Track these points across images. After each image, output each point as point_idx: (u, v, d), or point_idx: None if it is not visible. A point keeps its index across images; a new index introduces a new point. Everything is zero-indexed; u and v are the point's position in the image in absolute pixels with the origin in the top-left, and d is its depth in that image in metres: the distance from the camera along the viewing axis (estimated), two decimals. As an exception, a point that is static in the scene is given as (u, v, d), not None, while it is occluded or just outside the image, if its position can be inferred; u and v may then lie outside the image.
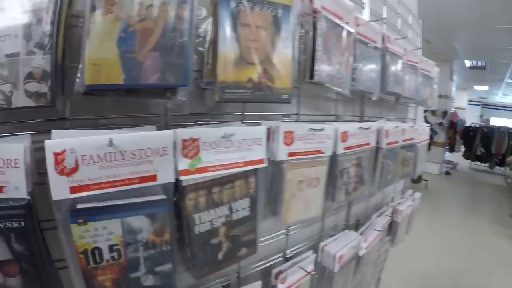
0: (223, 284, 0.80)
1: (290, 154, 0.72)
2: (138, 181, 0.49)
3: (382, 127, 1.01)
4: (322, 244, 0.99)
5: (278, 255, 0.95)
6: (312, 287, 0.94)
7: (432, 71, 1.45)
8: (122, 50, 0.46)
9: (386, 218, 1.33)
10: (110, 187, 0.46)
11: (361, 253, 1.07)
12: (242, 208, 0.64)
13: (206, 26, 0.57)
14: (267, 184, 0.74)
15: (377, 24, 1.08)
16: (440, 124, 6.63)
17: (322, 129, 0.75)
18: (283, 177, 0.72)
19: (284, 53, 0.65)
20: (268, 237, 0.88)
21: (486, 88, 9.67)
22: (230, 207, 0.62)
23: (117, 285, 0.50)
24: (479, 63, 6.31)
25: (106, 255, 0.47)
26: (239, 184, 0.63)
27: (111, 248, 0.48)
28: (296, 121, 0.85)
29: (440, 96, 6.78)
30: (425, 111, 6.58)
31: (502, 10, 3.18)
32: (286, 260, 0.96)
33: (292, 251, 0.99)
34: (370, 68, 0.95)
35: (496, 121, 10.13)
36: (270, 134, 0.71)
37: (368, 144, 0.96)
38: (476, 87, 9.83)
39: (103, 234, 0.47)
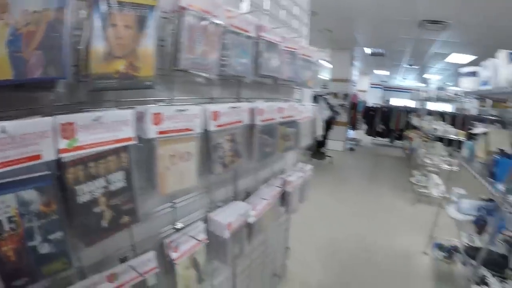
0: (121, 258, 0.88)
1: (161, 132, 0.82)
2: (26, 160, 0.58)
3: (256, 106, 1.15)
4: (211, 214, 1.11)
5: (168, 227, 1.05)
6: (205, 254, 1.06)
7: (314, 56, 1.61)
8: (10, 50, 0.54)
9: (275, 189, 1.47)
10: (4, 166, 0.55)
11: (250, 220, 1.20)
12: (118, 180, 0.74)
13: (83, 27, 0.66)
14: (145, 160, 0.83)
15: (254, 15, 1.20)
16: (342, 105, 7.42)
17: (186, 110, 0.87)
18: (155, 153, 0.82)
19: (148, 46, 0.76)
20: (159, 210, 0.98)
21: (387, 73, 11.07)
22: (106, 179, 0.71)
23: (18, 255, 0.58)
24: (378, 51, 7.03)
25: (6, 226, 0.56)
26: (112, 159, 0.73)
27: (9, 219, 0.56)
28: (171, 104, 0.94)
29: (341, 80, 7.64)
30: (328, 93, 7.37)
31: (398, 3, 3.57)
32: (177, 231, 1.06)
33: (184, 223, 1.10)
34: (241, 54, 1.08)
35: (396, 101, 11.71)
36: (142, 116, 0.80)
37: (240, 121, 1.10)
38: (377, 71, 11.22)
39: (1, 207, 0.55)
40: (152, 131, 0.80)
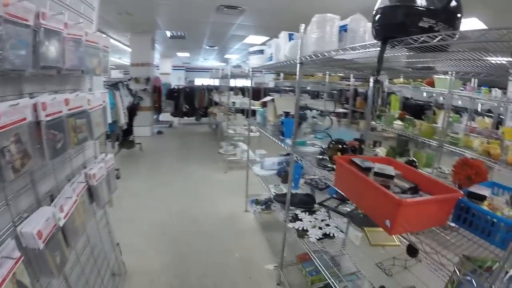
0: None
1: None
2: None
3: (38, 101, 1.02)
4: (18, 227, 0.96)
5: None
6: (29, 273, 0.93)
7: (100, 42, 1.50)
8: None
9: (80, 185, 1.34)
10: None
11: (61, 223, 1.11)
12: None
13: None
14: None
15: (34, 1, 0.97)
16: (144, 90, 7.10)
17: None
18: None
19: None
20: None
21: (187, 54, 11.36)
22: None
23: None
24: (179, 33, 7.12)
25: None
26: None
27: None
28: None
29: (143, 65, 7.26)
30: (129, 79, 6.82)
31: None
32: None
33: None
34: (18, 46, 0.92)
35: (199, 81, 12.16)
36: None
37: (24, 119, 0.95)
38: (180, 54, 11.37)
39: None
40: None
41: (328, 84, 5.53)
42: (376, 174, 1.19)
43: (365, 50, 1.26)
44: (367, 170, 1.25)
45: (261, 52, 2.90)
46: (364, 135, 2.17)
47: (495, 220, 0.97)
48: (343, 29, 1.59)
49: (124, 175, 4.13)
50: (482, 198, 1.09)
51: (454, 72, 2.80)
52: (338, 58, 1.63)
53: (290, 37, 2.20)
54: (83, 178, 1.40)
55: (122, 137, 5.25)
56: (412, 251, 1.23)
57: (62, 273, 1.16)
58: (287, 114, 2.55)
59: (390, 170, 1.21)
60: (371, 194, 1.13)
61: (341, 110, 5.30)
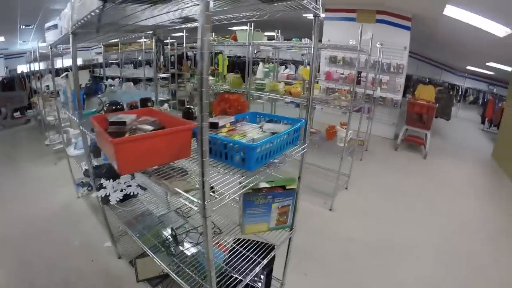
0: None
1: None
2: None
3: None
4: None
5: None
6: None
7: None
8: None
9: None
10: None
11: None
12: None
13: None
14: None
15: None
16: None
17: None
18: None
19: None
20: None
21: (2, 38, 9.07)
22: None
23: None
24: None
25: None
26: None
27: None
28: None
29: None
30: None
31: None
32: None
33: None
34: None
35: (23, 68, 9.91)
36: None
37: None
38: None
39: None
40: None
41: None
42: (111, 123, 1.26)
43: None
44: (116, 124, 1.27)
45: (55, 27, 2.59)
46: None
47: (226, 143, 1.05)
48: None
49: None
50: (214, 126, 1.16)
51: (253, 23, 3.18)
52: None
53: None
54: None
55: None
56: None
57: None
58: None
59: (127, 118, 1.31)
60: (104, 142, 1.18)
61: (162, 75, 5.48)
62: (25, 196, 3.36)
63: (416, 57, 9.91)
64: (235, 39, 3.69)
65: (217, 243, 1.51)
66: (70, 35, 1.73)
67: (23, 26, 7.60)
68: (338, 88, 5.69)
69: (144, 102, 2.02)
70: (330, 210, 3.15)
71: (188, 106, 1.81)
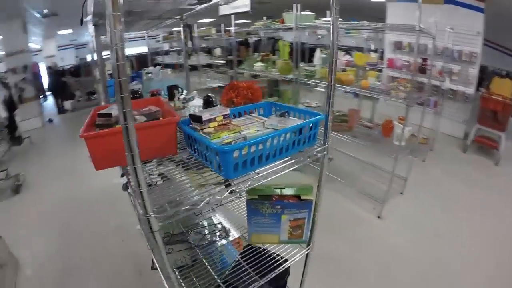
0: None
1: None
2: None
3: None
4: None
5: None
6: None
7: None
8: None
9: None
10: None
11: None
12: None
13: None
14: None
15: None
16: (24, 79, 6.33)
17: None
18: None
19: None
20: None
21: (70, 31, 10.31)
22: None
23: None
24: (50, 11, 6.46)
25: None
26: None
27: None
28: None
29: (17, 53, 6.34)
30: (5, 72, 6.00)
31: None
32: None
33: None
34: None
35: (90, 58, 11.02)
36: None
37: None
38: (61, 32, 10.21)
39: None
40: None
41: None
42: (99, 115, 1.18)
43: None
44: (103, 116, 1.18)
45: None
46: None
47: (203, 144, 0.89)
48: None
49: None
50: (198, 119, 0.97)
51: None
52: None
53: None
54: None
55: (8, 134, 4.78)
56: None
57: None
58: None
59: (114, 109, 1.19)
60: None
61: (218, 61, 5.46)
62: (81, 175, 3.65)
63: (492, 45, 8.31)
64: (283, 22, 3.43)
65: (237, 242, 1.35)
66: (92, 26, 1.78)
67: (88, 20, 8.34)
68: (399, 77, 5.02)
69: (171, 89, 1.96)
70: (379, 217, 2.75)
71: (209, 94, 1.68)
